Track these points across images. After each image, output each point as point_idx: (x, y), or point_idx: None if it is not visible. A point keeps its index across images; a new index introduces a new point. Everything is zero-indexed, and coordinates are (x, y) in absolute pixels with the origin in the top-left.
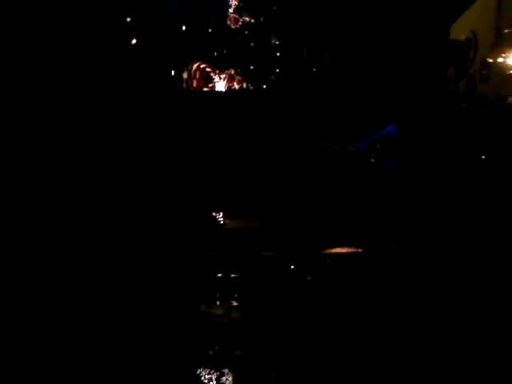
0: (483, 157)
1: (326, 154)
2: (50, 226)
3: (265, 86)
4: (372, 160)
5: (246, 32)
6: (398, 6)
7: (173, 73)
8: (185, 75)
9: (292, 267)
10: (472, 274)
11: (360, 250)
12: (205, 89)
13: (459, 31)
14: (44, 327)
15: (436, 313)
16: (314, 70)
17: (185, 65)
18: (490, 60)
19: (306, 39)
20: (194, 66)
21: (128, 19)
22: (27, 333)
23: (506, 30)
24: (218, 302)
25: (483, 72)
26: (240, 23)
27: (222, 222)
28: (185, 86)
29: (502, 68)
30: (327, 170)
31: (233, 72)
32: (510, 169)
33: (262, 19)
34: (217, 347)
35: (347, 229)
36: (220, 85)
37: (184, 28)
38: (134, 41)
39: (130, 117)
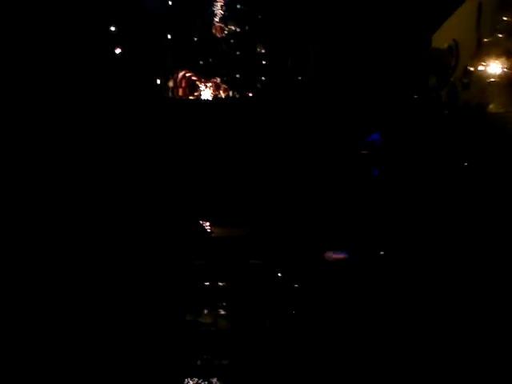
0: (466, 163)
1: (313, 163)
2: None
3: (251, 95)
4: (356, 168)
5: (232, 41)
6: (380, 15)
7: (158, 81)
8: (170, 84)
9: (279, 275)
10: (459, 281)
11: (347, 257)
12: (190, 97)
13: (441, 40)
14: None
15: (424, 321)
16: (300, 78)
17: (170, 73)
18: (471, 68)
19: (292, 48)
20: (180, 75)
21: (113, 28)
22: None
23: (486, 39)
24: (205, 311)
25: (464, 80)
26: (225, 32)
27: (209, 231)
28: (170, 94)
29: (483, 76)
30: (315, 179)
31: (219, 80)
32: (492, 174)
33: (247, 28)
34: (204, 356)
35: (335, 236)
36: (206, 93)
37: (170, 37)
38: (119, 50)
39: (116, 125)
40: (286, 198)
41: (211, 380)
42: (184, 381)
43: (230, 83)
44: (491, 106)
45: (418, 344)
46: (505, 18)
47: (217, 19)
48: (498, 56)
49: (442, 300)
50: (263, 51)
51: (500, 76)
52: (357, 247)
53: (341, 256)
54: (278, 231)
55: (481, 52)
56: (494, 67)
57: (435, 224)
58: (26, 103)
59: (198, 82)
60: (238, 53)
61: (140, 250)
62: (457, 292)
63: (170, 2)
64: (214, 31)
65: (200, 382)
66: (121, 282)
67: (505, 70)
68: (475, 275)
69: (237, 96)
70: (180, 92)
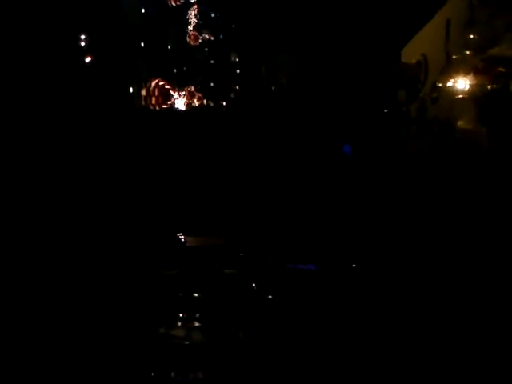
0: (434, 177)
1: (285, 173)
2: None
3: (224, 103)
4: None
5: (206, 49)
6: (351, 29)
7: (131, 90)
8: (143, 92)
9: (253, 285)
10: (432, 293)
11: (319, 269)
12: (164, 106)
13: (410, 55)
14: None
15: (395, 332)
16: (273, 88)
17: (143, 82)
18: (440, 84)
19: (265, 57)
20: (153, 83)
21: (85, 36)
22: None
23: (455, 56)
24: (178, 323)
25: (433, 95)
26: (200, 40)
27: (183, 240)
28: (143, 103)
29: (451, 92)
30: (287, 189)
31: (193, 89)
32: (460, 188)
33: (221, 37)
34: (178, 370)
35: (308, 247)
36: (179, 102)
37: (143, 45)
38: (90, 58)
39: (87, 135)
40: (259, 208)
41: None
42: None
43: (204, 92)
44: (460, 122)
45: (390, 357)
46: (471, 36)
47: (191, 27)
48: (466, 73)
49: (414, 311)
50: (237, 60)
51: (468, 92)
52: (329, 259)
53: (312, 268)
54: (252, 241)
55: (449, 68)
56: (462, 83)
57: (406, 236)
58: None
59: (171, 91)
60: (212, 61)
61: (110, 259)
62: (430, 304)
63: (144, 10)
64: (188, 40)
65: None
66: (90, 292)
67: (473, 86)
68: (449, 287)
69: (211, 105)
70: (153, 101)
